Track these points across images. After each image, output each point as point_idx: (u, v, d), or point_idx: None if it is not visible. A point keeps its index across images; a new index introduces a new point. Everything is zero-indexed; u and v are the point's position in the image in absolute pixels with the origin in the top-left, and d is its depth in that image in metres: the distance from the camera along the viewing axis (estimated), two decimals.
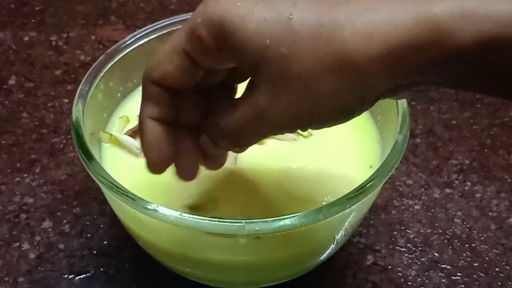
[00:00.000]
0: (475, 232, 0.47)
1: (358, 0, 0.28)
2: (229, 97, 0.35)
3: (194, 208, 0.39)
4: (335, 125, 0.31)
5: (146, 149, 0.34)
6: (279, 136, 0.43)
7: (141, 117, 0.33)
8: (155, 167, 0.34)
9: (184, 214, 0.34)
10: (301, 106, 0.29)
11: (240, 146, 0.34)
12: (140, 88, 0.47)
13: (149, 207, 0.35)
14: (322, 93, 0.29)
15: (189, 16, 0.48)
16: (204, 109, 0.35)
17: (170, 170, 0.42)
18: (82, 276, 0.44)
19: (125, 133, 0.44)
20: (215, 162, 0.37)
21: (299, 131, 0.43)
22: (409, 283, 0.44)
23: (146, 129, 0.33)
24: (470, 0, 0.26)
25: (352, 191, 0.36)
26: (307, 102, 0.29)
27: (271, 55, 0.28)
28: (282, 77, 0.29)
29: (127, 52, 0.46)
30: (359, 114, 0.30)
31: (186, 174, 0.35)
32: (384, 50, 0.27)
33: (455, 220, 0.48)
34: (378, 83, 0.28)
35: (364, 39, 0.27)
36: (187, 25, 0.31)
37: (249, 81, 0.31)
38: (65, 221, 0.47)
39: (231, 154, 0.42)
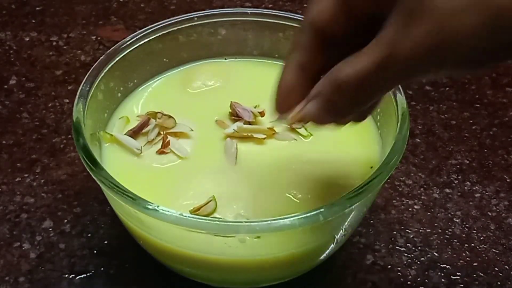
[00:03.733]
0: (475, 232, 0.47)
1: None
2: None
3: (194, 208, 0.39)
4: (468, 72, 0.28)
5: (278, 94, 0.34)
6: (279, 136, 0.44)
7: (285, 62, 0.33)
8: (281, 109, 0.34)
9: (184, 214, 0.34)
10: (436, 39, 0.27)
11: (358, 104, 0.31)
12: (141, 88, 0.48)
13: (149, 207, 0.35)
14: (460, 33, 0.26)
15: (188, 16, 0.48)
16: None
17: (170, 171, 0.42)
18: (82, 276, 0.44)
19: (125, 134, 0.44)
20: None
21: (299, 130, 0.44)
22: (409, 282, 0.44)
23: (285, 75, 0.33)
24: None
25: (352, 191, 0.36)
26: (444, 35, 0.27)
27: None
28: (420, 7, 0.27)
29: (128, 52, 0.46)
30: (493, 65, 0.29)
31: (286, 108, 0.34)
32: None
33: (455, 220, 0.48)
34: None
35: None
36: None
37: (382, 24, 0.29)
38: (65, 220, 0.48)
39: (231, 154, 0.42)
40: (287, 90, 0.33)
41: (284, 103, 0.34)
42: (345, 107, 0.31)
